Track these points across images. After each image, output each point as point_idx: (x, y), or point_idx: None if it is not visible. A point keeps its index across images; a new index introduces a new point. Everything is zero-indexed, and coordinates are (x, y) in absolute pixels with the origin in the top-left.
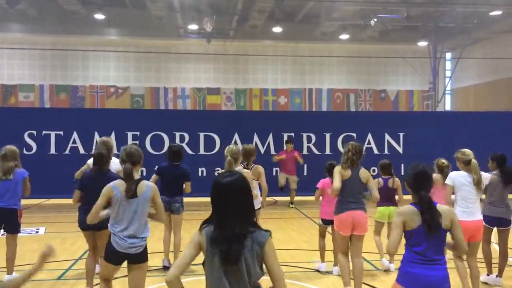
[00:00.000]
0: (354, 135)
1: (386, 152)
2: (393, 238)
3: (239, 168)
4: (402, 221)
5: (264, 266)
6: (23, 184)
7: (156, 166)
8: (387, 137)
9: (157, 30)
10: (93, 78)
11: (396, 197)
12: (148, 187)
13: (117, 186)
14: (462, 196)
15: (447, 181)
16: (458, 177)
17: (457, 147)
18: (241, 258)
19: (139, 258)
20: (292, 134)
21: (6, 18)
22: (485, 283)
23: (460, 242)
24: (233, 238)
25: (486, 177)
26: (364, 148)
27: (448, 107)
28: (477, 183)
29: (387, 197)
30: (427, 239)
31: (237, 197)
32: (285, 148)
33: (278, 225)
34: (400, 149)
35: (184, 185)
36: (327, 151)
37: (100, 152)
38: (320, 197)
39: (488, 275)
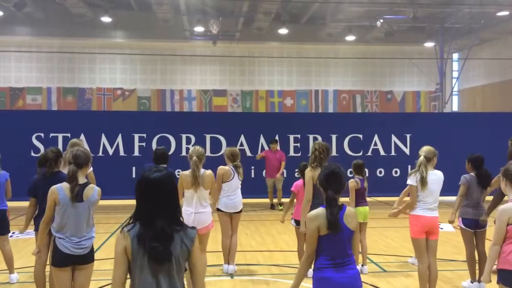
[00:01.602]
0: (361, 136)
1: (393, 153)
2: (312, 247)
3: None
4: (317, 226)
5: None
6: (6, 186)
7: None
8: (393, 138)
9: (163, 32)
10: (100, 81)
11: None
12: (95, 190)
13: (62, 188)
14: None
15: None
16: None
17: (464, 148)
18: (172, 256)
19: (86, 259)
20: (298, 135)
21: (14, 21)
22: None
23: (356, 245)
24: (163, 236)
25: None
26: (371, 149)
27: (455, 108)
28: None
29: (363, 197)
30: (334, 240)
31: (165, 193)
32: (266, 148)
33: (286, 228)
34: (407, 151)
35: None
36: (333, 153)
37: (44, 154)
38: (295, 200)
39: (472, 282)
